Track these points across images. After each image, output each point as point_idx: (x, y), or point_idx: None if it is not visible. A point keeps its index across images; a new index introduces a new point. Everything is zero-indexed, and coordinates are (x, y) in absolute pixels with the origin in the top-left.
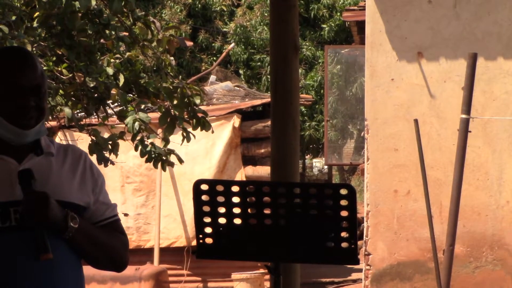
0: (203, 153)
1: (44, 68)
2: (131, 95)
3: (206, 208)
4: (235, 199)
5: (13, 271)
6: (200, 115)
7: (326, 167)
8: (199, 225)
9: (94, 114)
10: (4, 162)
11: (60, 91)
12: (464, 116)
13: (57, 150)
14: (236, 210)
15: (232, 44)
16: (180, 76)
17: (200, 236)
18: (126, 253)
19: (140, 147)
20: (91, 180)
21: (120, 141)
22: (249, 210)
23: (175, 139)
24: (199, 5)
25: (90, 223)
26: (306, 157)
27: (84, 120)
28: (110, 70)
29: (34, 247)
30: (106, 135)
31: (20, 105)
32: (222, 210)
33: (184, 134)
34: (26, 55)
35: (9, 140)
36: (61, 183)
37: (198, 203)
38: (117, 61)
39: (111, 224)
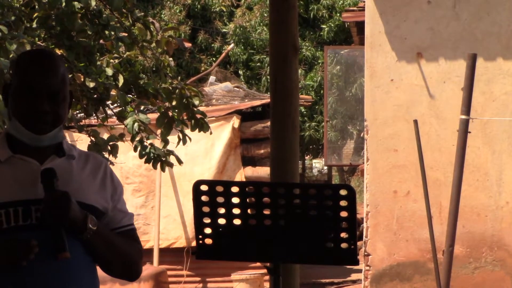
0: (203, 153)
1: None
2: (131, 96)
3: (206, 209)
4: (235, 200)
5: (30, 269)
6: (198, 116)
7: (325, 167)
8: (199, 226)
9: (94, 115)
10: (26, 162)
11: None
12: (463, 116)
13: (78, 155)
14: (236, 211)
15: (232, 45)
16: (179, 77)
17: (200, 236)
18: (141, 262)
19: (139, 148)
20: (111, 186)
21: (119, 142)
22: (248, 211)
23: (175, 140)
24: (199, 6)
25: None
26: (306, 157)
27: (83, 120)
28: (109, 71)
29: (52, 247)
30: (105, 135)
31: (34, 110)
32: (221, 210)
33: (181, 136)
34: (48, 59)
35: (27, 142)
36: (82, 185)
37: (197, 204)
38: (116, 61)
39: (127, 232)
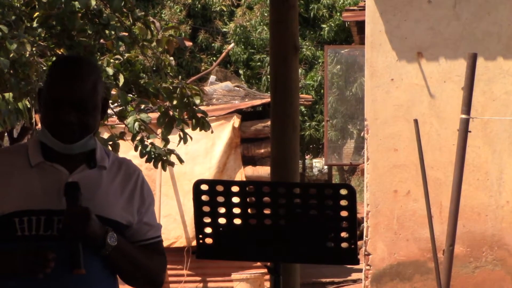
0: (203, 153)
1: (44, 68)
2: (131, 95)
3: (206, 208)
4: (235, 199)
5: (47, 280)
6: (199, 115)
7: (326, 167)
8: (199, 225)
9: None
10: (56, 170)
11: None
12: (464, 116)
13: (111, 163)
14: (236, 210)
15: (232, 44)
16: (180, 76)
17: (200, 236)
18: (163, 273)
19: (140, 147)
20: (139, 199)
21: (120, 141)
22: (249, 210)
23: (175, 139)
24: (199, 5)
25: (129, 242)
26: (306, 157)
27: None
28: (110, 70)
29: (70, 260)
30: (106, 135)
31: (59, 120)
32: (222, 210)
33: (181, 135)
34: (78, 67)
35: (57, 150)
36: (107, 199)
37: (198, 203)
38: (117, 61)
39: (152, 245)
